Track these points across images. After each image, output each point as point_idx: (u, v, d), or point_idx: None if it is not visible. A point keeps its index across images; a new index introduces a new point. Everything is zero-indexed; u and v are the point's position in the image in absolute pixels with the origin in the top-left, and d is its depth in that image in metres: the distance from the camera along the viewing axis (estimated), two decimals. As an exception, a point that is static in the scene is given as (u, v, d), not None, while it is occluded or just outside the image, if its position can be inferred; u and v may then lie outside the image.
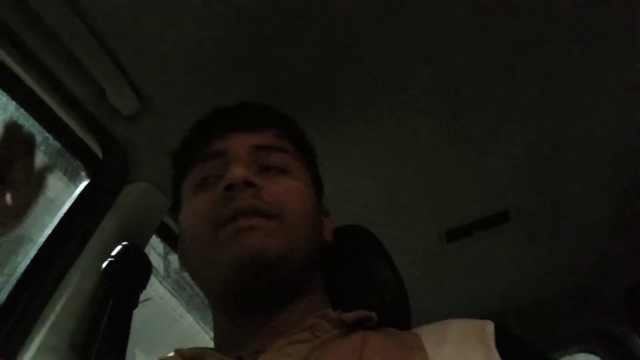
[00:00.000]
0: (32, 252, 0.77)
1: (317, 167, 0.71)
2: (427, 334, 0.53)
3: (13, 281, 0.73)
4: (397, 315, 0.68)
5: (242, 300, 0.56)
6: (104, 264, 0.76)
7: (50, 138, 0.88)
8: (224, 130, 0.64)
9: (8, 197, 0.61)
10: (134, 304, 0.77)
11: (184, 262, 0.63)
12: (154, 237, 1.00)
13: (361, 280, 0.71)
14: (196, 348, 0.58)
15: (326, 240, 0.65)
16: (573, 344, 1.75)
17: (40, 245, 0.78)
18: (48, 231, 0.79)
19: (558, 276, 1.57)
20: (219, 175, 0.59)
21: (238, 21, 0.76)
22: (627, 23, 0.88)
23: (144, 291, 0.83)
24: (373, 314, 0.56)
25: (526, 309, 1.64)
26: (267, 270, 0.53)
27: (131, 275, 0.76)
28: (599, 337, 1.69)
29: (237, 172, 0.56)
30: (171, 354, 0.58)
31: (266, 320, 0.56)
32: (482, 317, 0.55)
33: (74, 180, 0.89)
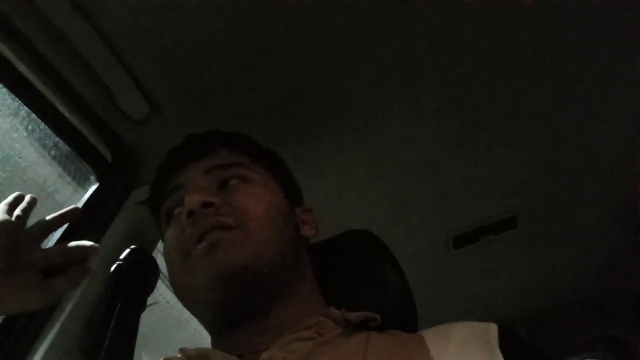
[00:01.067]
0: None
1: (286, 170, 0.73)
2: (431, 336, 0.53)
3: (22, 284, 0.74)
4: (404, 319, 0.68)
5: (228, 315, 0.57)
6: (112, 268, 0.77)
7: (60, 143, 0.89)
8: (180, 164, 0.67)
9: None
10: (142, 307, 0.77)
11: (175, 293, 0.65)
12: (161, 241, 1.00)
13: (368, 284, 0.71)
14: (201, 348, 0.58)
15: (306, 236, 0.67)
16: (581, 351, 1.74)
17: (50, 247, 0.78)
18: (57, 235, 0.79)
19: (566, 282, 1.56)
20: (179, 207, 0.62)
21: (245, 28, 0.76)
22: (634, 26, 0.87)
23: (151, 295, 0.83)
24: (377, 315, 0.57)
25: (534, 315, 1.62)
26: (240, 279, 0.55)
27: (139, 278, 0.76)
28: (608, 344, 1.67)
29: (193, 198, 0.58)
30: (177, 354, 0.58)
31: (261, 323, 0.56)
32: (488, 321, 0.55)
33: (83, 184, 0.90)
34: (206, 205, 0.57)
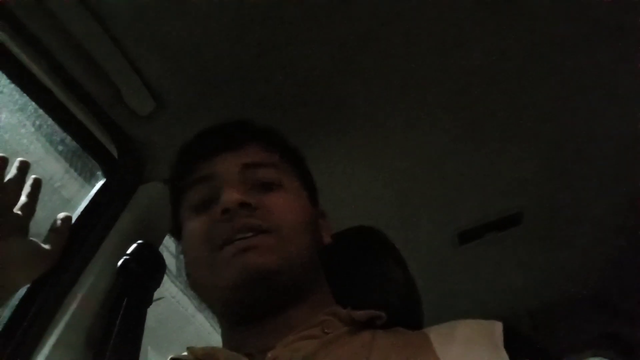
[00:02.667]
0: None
1: (308, 171, 0.73)
2: (436, 333, 0.53)
3: (30, 279, 0.74)
4: (409, 316, 0.68)
5: (246, 313, 0.58)
6: (119, 262, 0.77)
7: (67, 138, 0.89)
8: (211, 152, 0.65)
9: None
10: (148, 301, 0.78)
11: (189, 283, 0.65)
12: (167, 236, 1.01)
13: (374, 280, 0.71)
14: (208, 347, 0.59)
15: (324, 243, 0.66)
16: (587, 348, 1.73)
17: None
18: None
19: (572, 279, 1.55)
20: (212, 199, 0.61)
21: (252, 24, 0.76)
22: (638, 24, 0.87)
23: (157, 290, 0.84)
24: (383, 314, 0.57)
25: (539, 312, 1.62)
26: (268, 284, 0.55)
27: (145, 273, 0.77)
28: (613, 341, 1.67)
29: (232, 195, 0.57)
30: (184, 353, 0.59)
31: (272, 322, 0.57)
32: (494, 319, 0.55)
33: (89, 180, 0.91)
34: (243, 205, 0.57)
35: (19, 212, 0.62)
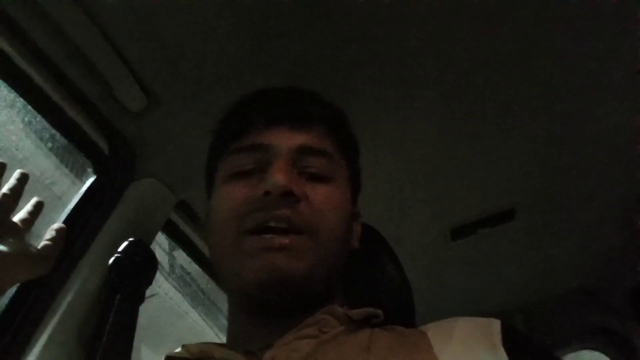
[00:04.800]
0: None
1: (358, 165, 0.68)
2: (434, 331, 0.52)
3: (21, 276, 0.74)
4: (402, 312, 0.68)
5: (262, 310, 0.56)
6: (111, 260, 0.77)
7: (58, 135, 0.88)
8: (269, 120, 0.59)
9: None
10: (141, 299, 0.78)
11: (210, 252, 0.61)
12: (159, 233, 1.00)
13: (366, 277, 0.71)
14: (203, 343, 0.58)
15: (353, 247, 0.63)
16: (578, 342, 1.75)
17: (46, 241, 0.78)
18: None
19: (564, 274, 1.56)
20: (256, 170, 0.57)
21: (244, 19, 0.76)
22: (634, 22, 0.87)
23: (149, 287, 0.83)
24: (380, 312, 0.56)
25: (531, 307, 1.63)
26: (291, 289, 0.52)
27: (137, 270, 0.77)
28: (605, 335, 1.68)
29: (279, 179, 0.52)
30: (178, 349, 0.58)
31: (285, 321, 0.55)
32: (487, 315, 0.55)
33: (80, 177, 0.90)
34: (288, 194, 0.53)
35: (18, 223, 0.62)
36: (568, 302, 1.65)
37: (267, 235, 0.52)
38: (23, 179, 0.63)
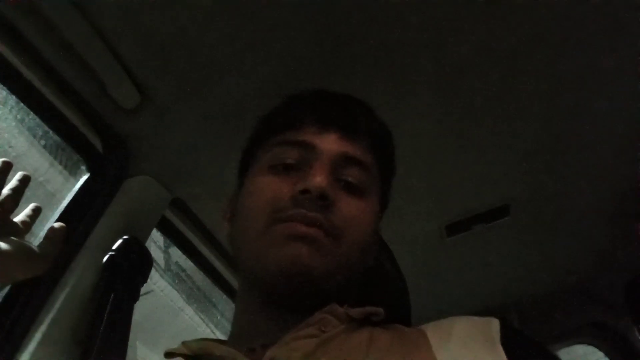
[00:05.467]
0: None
1: (391, 184, 0.69)
2: (433, 330, 0.53)
3: (14, 275, 0.73)
4: (398, 310, 0.68)
5: (277, 301, 0.56)
6: (105, 258, 0.77)
7: (51, 132, 0.88)
8: (320, 122, 0.60)
9: None
10: (135, 297, 0.77)
11: (231, 237, 0.61)
12: (154, 230, 1.00)
13: (363, 275, 0.71)
14: (203, 340, 0.58)
15: (368, 263, 0.63)
16: (572, 337, 1.76)
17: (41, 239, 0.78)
18: (49, 225, 0.79)
19: (558, 270, 1.57)
20: (296, 166, 0.58)
21: (238, 17, 0.75)
22: (630, 22, 0.87)
23: (145, 284, 0.83)
24: (380, 310, 0.56)
25: (526, 302, 1.64)
26: (310, 285, 0.53)
27: (132, 268, 0.76)
28: (599, 330, 1.70)
29: (319, 181, 0.54)
30: (178, 346, 0.58)
31: (288, 318, 0.55)
32: (482, 310, 0.55)
33: (74, 174, 0.90)
34: (324, 197, 0.54)
35: (18, 224, 0.61)
36: (562, 297, 1.66)
37: (294, 223, 0.53)
38: (25, 180, 0.64)
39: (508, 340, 0.49)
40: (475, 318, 0.53)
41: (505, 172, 1.17)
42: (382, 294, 0.68)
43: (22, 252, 0.59)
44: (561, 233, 1.41)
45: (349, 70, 0.89)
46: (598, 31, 0.89)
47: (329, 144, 0.59)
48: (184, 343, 0.57)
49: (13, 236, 0.59)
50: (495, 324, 0.51)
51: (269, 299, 0.56)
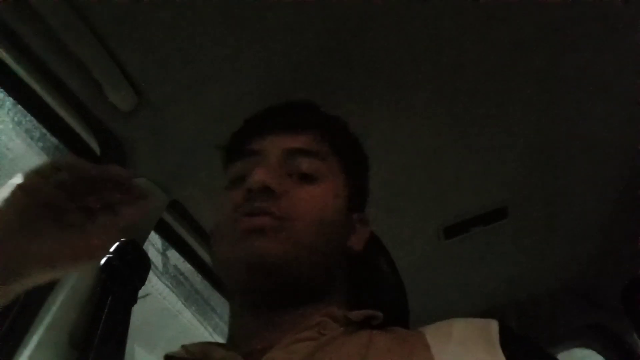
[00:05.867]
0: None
1: (363, 172, 0.71)
2: (432, 333, 0.53)
3: (11, 277, 0.73)
4: (396, 312, 0.68)
5: (250, 297, 0.57)
6: (103, 261, 0.76)
7: (48, 134, 0.87)
8: (263, 130, 0.64)
9: None
10: (133, 300, 0.77)
11: (212, 254, 0.64)
12: (152, 233, 1.00)
13: (360, 277, 0.71)
14: (203, 343, 0.58)
15: (353, 249, 0.64)
16: (570, 339, 1.76)
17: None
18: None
19: (556, 272, 1.57)
20: (247, 175, 0.59)
21: (234, 18, 0.75)
22: (629, 22, 0.88)
23: (143, 287, 0.83)
24: (379, 313, 0.56)
25: (524, 304, 1.64)
26: (269, 273, 0.54)
27: (130, 271, 0.76)
28: (597, 332, 1.70)
29: (258, 176, 0.56)
30: (177, 349, 0.58)
31: (276, 318, 0.56)
32: (479, 313, 0.55)
33: (72, 176, 0.89)
34: (266, 189, 0.56)
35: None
36: (560, 300, 1.66)
37: (245, 217, 0.55)
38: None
39: (507, 342, 0.49)
40: (474, 320, 0.54)
41: (503, 174, 1.18)
42: (380, 297, 0.68)
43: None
44: (559, 235, 1.41)
45: (348, 72, 0.89)
46: (597, 33, 0.89)
47: (271, 144, 0.62)
48: (183, 346, 0.57)
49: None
50: (494, 325, 0.51)
51: (246, 298, 0.58)
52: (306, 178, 0.60)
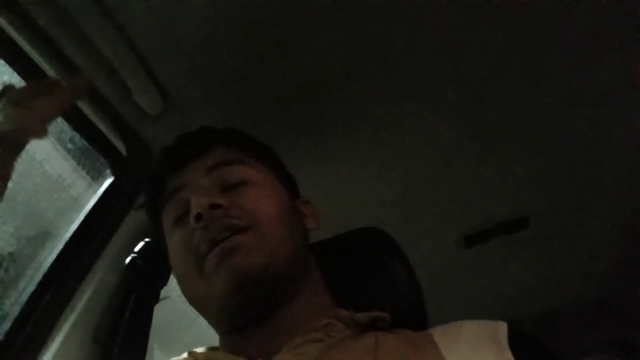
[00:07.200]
0: (58, 247, 0.79)
1: (282, 165, 0.71)
2: (440, 334, 0.53)
3: (39, 276, 0.75)
4: (414, 318, 0.68)
5: (242, 318, 0.56)
6: (127, 260, 0.78)
7: (76, 137, 0.90)
8: (177, 165, 0.64)
9: None
10: (155, 299, 0.78)
11: (183, 293, 0.63)
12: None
13: (378, 282, 0.71)
14: (209, 349, 0.59)
15: (310, 229, 0.66)
16: (592, 354, 1.72)
17: (66, 241, 0.80)
18: (74, 227, 0.81)
19: (578, 284, 1.54)
20: (186, 209, 0.59)
21: (260, 23, 0.76)
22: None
23: (162, 290, 0.84)
24: (386, 315, 0.56)
25: (544, 317, 1.61)
26: (259, 283, 0.53)
27: (153, 270, 0.77)
28: (620, 347, 1.65)
29: (200, 200, 0.56)
30: (184, 355, 0.59)
31: (270, 323, 0.56)
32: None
33: (96, 179, 0.92)
34: (214, 207, 0.55)
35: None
36: (583, 312, 1.63)
37: (218, 246, 0.54)
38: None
39: (516, 343, 0.49)
40: (483, 321, 0.54)
41: (526, 183, 1.16)
42: (396, 301, 0.68)
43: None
44: (582, 246, 1.38)
45: (367, 81, 0.89)
46: (626, 37, 0.88)
47: (192, 172, 0.62)
48: (190, 352, 0.58)
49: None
50: (503, 327, 0.51)
51: (234, 323, 0.57)
52: (239, 185, 0.60)
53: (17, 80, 0.75)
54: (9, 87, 0.62)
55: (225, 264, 0.53)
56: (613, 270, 1.49)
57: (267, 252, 0.54)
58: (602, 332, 1.66)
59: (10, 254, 0.85)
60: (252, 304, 0.55)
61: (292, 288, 0.58)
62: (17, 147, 0.59)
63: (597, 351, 1.70)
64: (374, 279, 0.72)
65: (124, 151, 0.90)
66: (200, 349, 0.60)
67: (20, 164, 0.62)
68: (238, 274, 0.53)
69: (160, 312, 0.81)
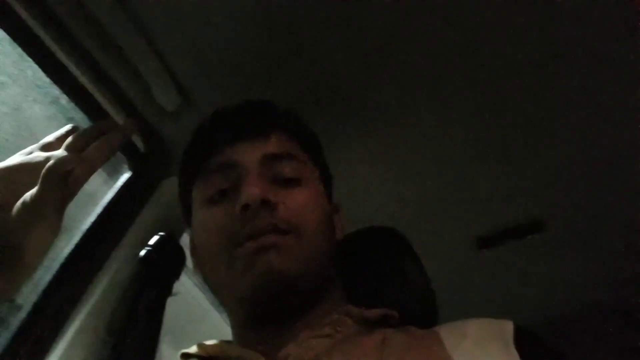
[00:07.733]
0: (75, 240, 0.81)
1: (324, 157, 0.69)
2: (447, 331, 0.53)
3: (56, 266, 0.77)
4: (425, 317, 0.68)
5: (263, 315, 0.56)
6: (141, 253, 0.79)
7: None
8: (232, 138, 0.61)
9: None
10: (168, 291, 0.79)
11: (199, 270, 0.63)
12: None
13: (391, 281, 0.71)
14: (219, 342, 0.59)
15: (338, 239, 0.65)
16: (607, 360, 1.69)
17: (82, 233, 0.81)
18: (91, 219, 0.82)
19: (594, 289, 1.52)
20: (231, 188, 0.58)
21: (279, 23, 0.77)
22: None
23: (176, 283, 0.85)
24: (395, 312, 0.57)
25: (559, 321, 1.59)
26: (288, 290, 0.53)
27: (166, 264, 0.78)
28: (636, 355, 1.63)
29: (254, 191, 0.54)
30: (194, 347, 0.59)
31: (289, 323, 0.56)
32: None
33: (112, 176, 0.93)
34: (265, 203, 0.54)
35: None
36: (599, 318, 1.60)
37: (258, 240, 0.53)
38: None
39: (522, 342, 0.49)
40: (489, 319, 0.54)
41: (542, 186, 1.15)
42: (407, 300, 0.68)
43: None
44: (598, 251, 1.37)
45: (384, 81, 0.89)
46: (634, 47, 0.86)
47: (247, 153, 0.59)
48: (199, 345, 0.58)
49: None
50: (508, 325, 0.51)
51: (256, 313, 0.56)
52: (290, 182, 0.59)
53: (41, 76, 0.77)
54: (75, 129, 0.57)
55: (261, 257, 0.53)
56: (629, 276, 1.47)
57: (302, 261, 0.54)
58: (617, 338, 1.63)
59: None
60: (272, 305, 0.54)
61: (318, 294, 0.58)
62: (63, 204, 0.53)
63: (611, 358, 1.68)
64: (386, 278, 0.72)
65: (142, 147, 0.91)
66: (210, 341, 0.60)
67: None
68: (270, 271, 0.52)
69: (170, 308, 0.82)
